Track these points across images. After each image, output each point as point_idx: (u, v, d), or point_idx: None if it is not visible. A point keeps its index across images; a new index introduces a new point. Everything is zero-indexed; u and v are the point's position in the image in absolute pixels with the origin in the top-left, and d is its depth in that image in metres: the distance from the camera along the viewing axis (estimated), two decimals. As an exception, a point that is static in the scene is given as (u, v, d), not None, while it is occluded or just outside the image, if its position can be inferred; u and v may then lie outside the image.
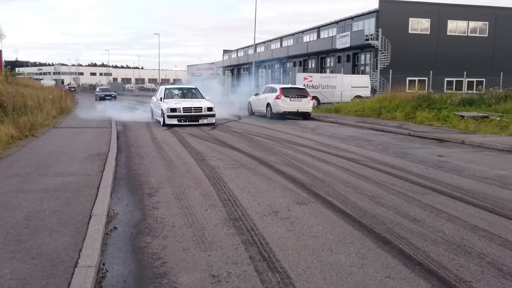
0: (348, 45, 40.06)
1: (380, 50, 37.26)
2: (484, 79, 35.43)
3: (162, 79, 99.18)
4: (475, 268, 3.88)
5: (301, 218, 5.34)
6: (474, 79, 36.89)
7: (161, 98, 18.25)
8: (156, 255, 4.23)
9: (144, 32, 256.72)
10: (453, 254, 4.19)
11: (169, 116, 16.81)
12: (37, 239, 4.29)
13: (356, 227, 4.99)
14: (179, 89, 20.29)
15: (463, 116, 17.14)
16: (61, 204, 5.49)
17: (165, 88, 19.43)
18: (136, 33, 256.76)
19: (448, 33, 40.38)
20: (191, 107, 17.23)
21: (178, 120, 16.83)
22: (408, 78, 35.85)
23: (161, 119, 17.26)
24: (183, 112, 16.94)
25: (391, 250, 4.32)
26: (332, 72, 42.58)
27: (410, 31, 39.43)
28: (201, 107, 17.42)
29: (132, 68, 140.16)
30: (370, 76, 34.72)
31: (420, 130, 14.85)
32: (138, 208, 5.83)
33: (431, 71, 29.69)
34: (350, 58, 42.46)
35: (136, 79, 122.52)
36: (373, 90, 33.34)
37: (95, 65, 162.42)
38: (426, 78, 31.87)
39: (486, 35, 41.42)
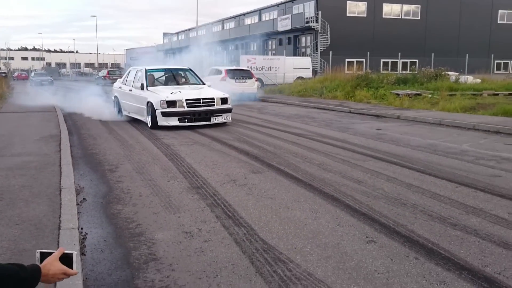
0: (289, 27, 40.85)
1: (320, 33, 38.33)
2: (417, 60, 37.31)
3: (99, 63, 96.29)
4: (410, 215, 4.56)
5: (257, 184, 5.87)
6: (408, 60, 38.75)
7: (142, 85, 11.95)
8: (130, 219, 4.61)
9: (78, 14, 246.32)
10: (392, 206, 4.87)
11: (164, 114, 10.95)
12: (15, 209, 4.55)
13: (308, 189, 5.58)
14: (165, 70, 13.66)
15: (398, 94, 18.28)
16: (28, 180, 5.71)
17: (145, 70, 12.47)
18: (69, 16, 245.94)
19: (383, 16, 42.06)
20: (199, 99, 11.36)
21: (180, 120, 11.03)
22: (347, 60, 37.16)
23: (146, 118, 11.55)
24: (188, 107, 11.13)
25: (339, 205, 4.93)
26: (274, 54, 43.29)
27: (348, 14, 40.71)
28: (213, 99, 11.55)
29: (67, 52, 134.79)
30: (311, 57, 35.73)
31: (359, 108, 15.77)
32: (103, 182, 6.13)
33: (368, 53, 31.00)
34: (292, 41, 43.33)
35: (72, 64, 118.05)
36: (314, 72, 34.40)
37: (26, 49, 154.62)
38: (364, 59, 33.28)
39: (419, 18, 43.49)
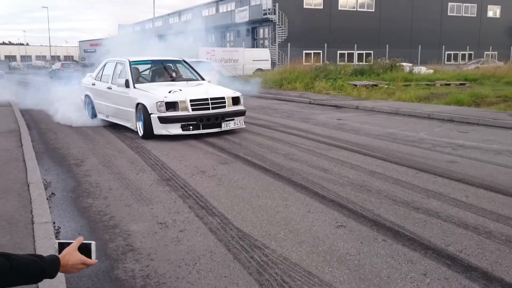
0: (247, 19, 40.91)
1: (277, 24, 38.61)
2: (372, 51, 38.23)
3: (52, 56, 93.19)
4: (375, 201, 4.79)
5: (227, 174, 5.96)
6: (364, 51, 39.66)
7: (126, 81, 9.26)
8: (102, 212, 4.62)
9: (29, 5, 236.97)
10: (358, 192, 5.08)
11: (163, 120, 8.42)
12: (-16, 205, 4.46)
13: (276, 178, 5.72)
14: (153, 62, 10.68)
15: (356, 85, 18.74)
16: (-8, 176, 5.58)
17: (129, 62, 9.75)
18: (19, 7, 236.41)
19: (339, 8, 42.83)
20: (207, 99, 8.81)
21: (184, 127, 8.52)
22: (304, 51, 37.62)
23: (135, 125, 8.97)
24: (193, 109, 8.61)
25: (308, 193, 5.10)
26: (232, 46, 43.26)
27: (305, 6, 41.20)
28: (223, 99, 9.04)
29: (17, 44, 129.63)
30: (269, 49, 35.95)
31: (319, 99, 16.08)
32: (70, 176, 6.07)
33: (326, 44, 31.54)
34: (250, 32, 43.40)
35: (22, 56, 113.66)
36: (273, 63, 34.66)
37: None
38: (321, 51, 33.83)
39: (373, 10, 44.53)
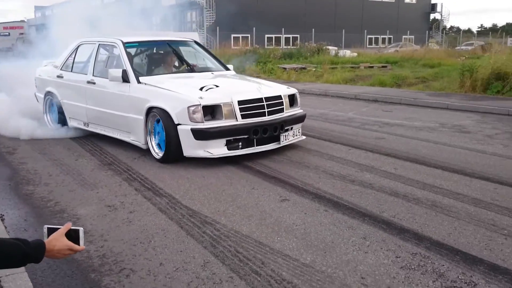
0: (174, 2, 40.14)
1: (205, 8, 38.28)
2: (298, 35, 39.03)
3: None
4: (314, 176, 5.09)
5: (169, 157, 6.03)
6: (291, 35, 40.38)
7: (123, 73, 6.14)
8: (46, 198, 4.56)
9: None
10: (297, 169, 5.37)
11: (200, 134, 5.45)
12: None
13: (218, 159, 5.86)
14: (154, 44, 7.52)
15: (285, 68, 19.19)
16: None
17: (123, 44, 6.56)
18: None
19: (266, -8, 43.08)
20: (260, 99, 5.86)
21: (230, 143, 5.64)
22: (233, 35, 37.67)
23: (148, 141, 5.96)
24: (243, 116, 5.67)
25: (251, 171, 5.32)
26: (159, 30, 42.34)
27: (232, -10, 41.07)
28: (280, 98, 6.13)
29: None
30: (198, 33, 35.63)
31: (251, 82, 16.32)
32: (4, 164, 5.86)
33: (254, 28, 31.80)
34: (177, 16, 42.68)
35: None
36: (202, 47, 34.41)
37: None
38: (249, 35, 34.06)
39: (299, -5, 45.27)
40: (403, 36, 46.75)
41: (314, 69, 19.09)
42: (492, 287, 2.83)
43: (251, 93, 5.95)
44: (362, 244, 3.42)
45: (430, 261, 3.14)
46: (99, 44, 7.11)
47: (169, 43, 7.30)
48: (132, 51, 7.03)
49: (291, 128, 6.25)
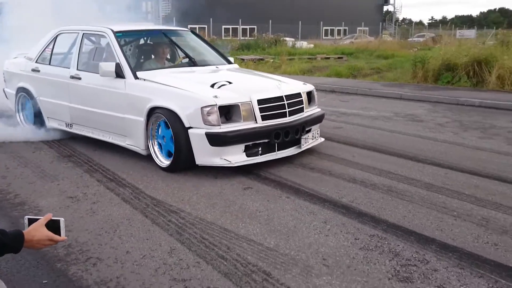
0: (128, -9, 39.34)
1: (161, -3, 37.71)
2: (256, 26, 39.12)
3: None
4: (276, 164, 5.21)
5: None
6: (248, 27, 40.44)
7: (117, 67, 5.31)
8: (4, 190, 4.47)
9: None
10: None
11: (216, 139, 4.68)
12: None
13: (180, 149, 5.91)
14: (150, 34, 6.67)
15: (243, 59, 19.25)
16: None
17: (114, 33, 5.71)
18: None
19: (222, -17, 42.87)
20: (281, 98, 5.15)
21: (248, 149, 4.92)
22: (189, 26, 37.23)
23: (150, 146, 5.19)
24: (263, 117, 4.95)
25: (213, 161, 5.38)
26: (113, 21, 41.40)
27: (188, -20, 40.61)
28: (299, 96, 5.45)
29: None
30: (154, 24, 35.09)
31: (209, 73, 16.29)
32: (-44, 158, 5.68)
33: (211, 19, 31.63)
34: (132, 6, 41.84)
35: None
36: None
37: None
38: (206, 26, 33.88)
39: (256, -14, 45.27)
40: (358, 28, 47.70)
41: (272, 60, 19.26)
42: (442, 263, 3.03)
43: (271, 91, 5.19)
44: (323, 228, 3.57)
45: (386, 242, 3.33)
46: (83, 34, 6.17)
47: (164, 32, 6.53)
48: (123, 41, 6.08)
49: (310, 129, 5.64)
